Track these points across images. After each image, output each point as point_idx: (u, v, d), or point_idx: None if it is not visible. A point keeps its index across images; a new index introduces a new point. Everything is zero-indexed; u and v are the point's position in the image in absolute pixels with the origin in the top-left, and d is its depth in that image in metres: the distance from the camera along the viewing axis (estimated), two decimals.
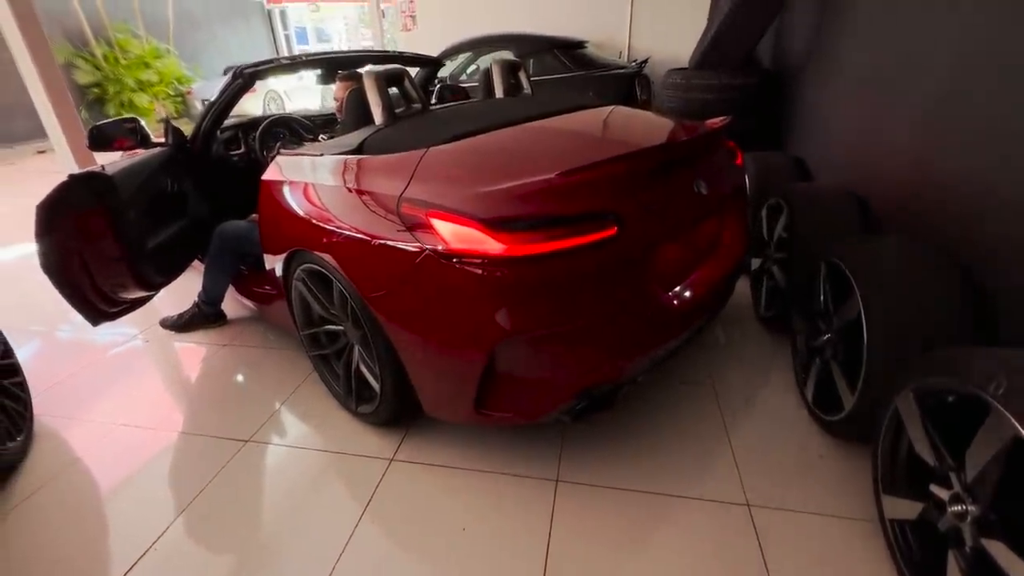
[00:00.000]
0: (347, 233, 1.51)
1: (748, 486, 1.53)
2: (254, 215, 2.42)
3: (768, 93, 3.26)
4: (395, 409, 1.67)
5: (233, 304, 2.66)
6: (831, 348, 1.66)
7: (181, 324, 2.57)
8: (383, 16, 7.52)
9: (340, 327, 1.79)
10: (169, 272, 2.26)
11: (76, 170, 3.52)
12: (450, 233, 1.29)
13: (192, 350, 2.46)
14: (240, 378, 2.23)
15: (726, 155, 1.89)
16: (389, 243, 1.40)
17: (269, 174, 1.90)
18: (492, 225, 1.25)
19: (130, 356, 2.45)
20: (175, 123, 2.43)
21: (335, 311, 1.74)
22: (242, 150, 2.78)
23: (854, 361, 1.48)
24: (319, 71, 2.58)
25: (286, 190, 1.80)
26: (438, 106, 2.07)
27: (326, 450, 1.76)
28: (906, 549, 1.20)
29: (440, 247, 1.29)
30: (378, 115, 1.88)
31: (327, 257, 1.59)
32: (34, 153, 8.74)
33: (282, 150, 1.93)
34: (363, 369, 1.75)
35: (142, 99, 10.51)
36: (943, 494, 1.08)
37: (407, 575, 1.34)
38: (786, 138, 3.15)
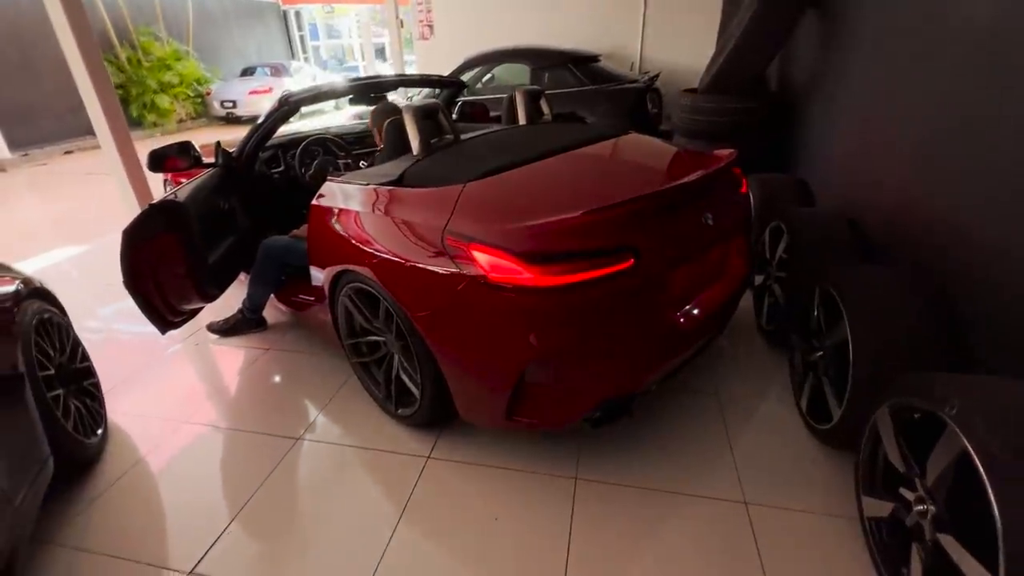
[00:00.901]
0: (393, 259, 1.72)
1: (746, 486, 1.73)
2: (294, 231, 2.66)
3: (775, 117, 3.43)
4: (433, 413, 1.89)
5: (272, 311, 2.89)
6: (823, 365, 1.86)
7: (227, 329, 2.79)
8: (401, 25, 7.71)
9: (381, 338, 2.00)
10: (224, 283, 2.49)
11: (119, 167, 3.80)
12: (488, 264, 1.49)
13: (238, 353, 2.69)
14: (285, 380, 2.46)
15: (732, 184, 2.08)
16: (434, 269, 1.60)
17: (319, 199, 2.11)
18: (525, 258, 1.45)
19: (183, 358, 2.68)
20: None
21: (378, 324, 1.95)
22: (282, 168, 2.99)
23: (842, 378, 1.68)
24: (357, 96, 2.79)
25: (336, 215, 2.01)
26: (467, 135, 2.26)
27: (369, 448, 1.98)
28: (880, 542, 1.40)
29: (479, 275, 1.50)
30: (415, 146, 2.08)
31: (375, 278, 1.80)
32: (62, 154, 9.05)
33: (329, 177, 2.13)
34: (403, 377, 1.97)
35: (163, 100, 10.82)
36: (910, 496, 1.28)
37: (448, 557, 1.55)
38: (791, 161, 3.32)
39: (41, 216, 5.72)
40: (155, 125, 10.81)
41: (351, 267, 1.91)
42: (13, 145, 8.45)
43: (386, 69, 16.39)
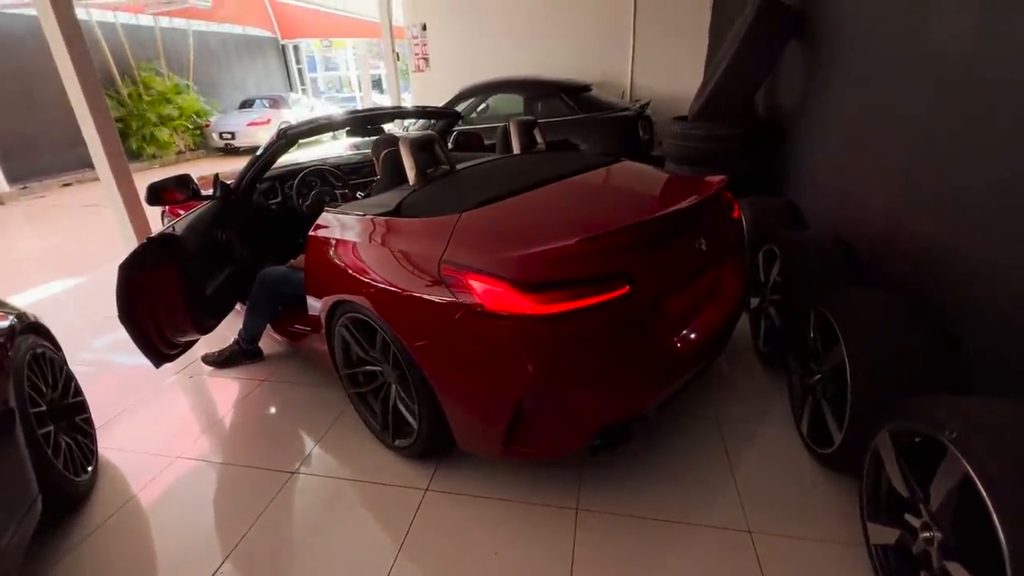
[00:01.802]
0: (390, 288, 1.73)
1: (750, 514, 1.70)
2: (291, 261, 2.67)
3: (763, 141, 3.51)
4: (431, 444, 1.86)
5: (268, 342, 2.87)
6: (821, 388, 1.85)
7: (222, 360, 2.77)
8: (397, 58, 7.92)
9: (378, 368, 1.99)
10: (220, 315, 2.48)
11: (118, 200, 3.82)
12: (485, 292, 1.50)
13: (233, 385, 2.66)
14: (281, 412, 2.43)
15: (724, 209, 2.11)
16: (431, 299, 1.61)
17: (317, 230, 2.12)
18: (521, 286, 1.46)
19: (177, 390, 2.65)
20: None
21: (374, 354, 1.95)
22: (279, 199, 3.02)
23: (841, 400, 1.67)
24: (354, 127, 2.84)
25: (333, 245, 2.02)
26: (463, 165, 2.30)
27: (367, 480, 1.95)
28: (887, 569, 1.37)
29: (476, 303, 1.50)
30: (411, 176, 2.12)
31: (371, 308, 1.80)
32: (60, 186, 9.11)
33: (326, 208, 2.15)
34: (401, 407, 1.95)
35: (163, 133, 10.98)
36: (915, 522, 1.26)
37: None
38: (781, 184, 3.39)
39: (38, 248, 5.73)
40: (154, 157, 10.94)
41: (348, 297, 1.91)
42: (12, 178, 8.51)
43: (383, 100, 16.74)
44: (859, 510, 1.51)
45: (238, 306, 2.75)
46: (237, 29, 15.06)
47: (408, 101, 9.14)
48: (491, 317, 1.48)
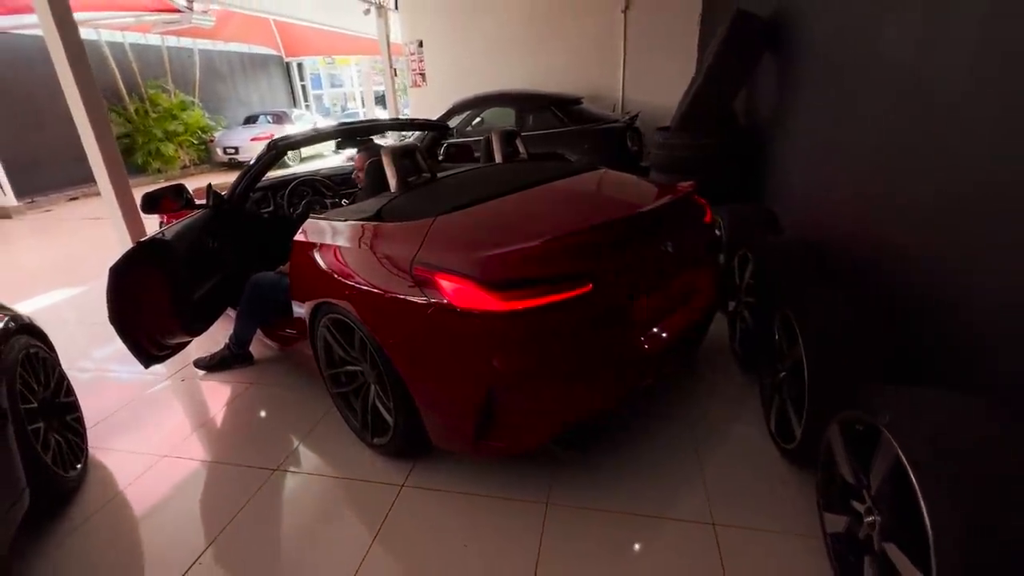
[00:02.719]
0: (367, 289, 1.80)
1: (715, 507, 1.74)
2: (281, 267, 2.75)
3: (742, 149, 3.60)
4: (407, 441, 1.92)
5: (259, 346, 2.95)
6: (786, 386, 1.90)
7: (213, 364, 2.84)
8: (395, 74, 8.11)
9: (358, 368, 2.06)
10: (209, 319, 2.56)
11: (116, 209, 3.94)
12: (453, 291, 1.57)
13: (223, 388, 2.73)
14: (267, 413, 2.49)
15: (696, 214, 2.18)
16: (403, 298, 1.68)
17: (301, 235, 2.21)
18: (487, 285, 1.53)
19: (168, 394, 2.72)
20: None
21: (355, 354, 2.01)
22: (271, 208, 3.12)
23: (801, 397, 1.72)
24: (343, 139, 2.94)
25: (316, 250, 2.10)
26: (444, 173, 2.39)
27: (345, 477, 2.00)
28: (841, 557, 1.41)
29: (445, 302, 1.57)
30: (393, 184, 2.20)
31: (350, 309, 1.87)
32: (66, 200, 9.31)
33: (311, 214, 2.24)
34: (379, 405, 2.01)
35: (168, 148, 11.21)
36: (860, 508, 1.30)
37: None
38: (759, 191, 3.46)
39: (42, 259, 5.86)
40: (159, 171, 11.16)
41: (329, 299, 1.99)
42: (20, 193, 8.70)
43: (385, 115, 17.04)
44: (815, 501, 1.55)
45: (229, 311, 2.83)
46: (243, 48, 15.42)
47: (408, 115, 9.32)
48: (459, 314, 1.55)
